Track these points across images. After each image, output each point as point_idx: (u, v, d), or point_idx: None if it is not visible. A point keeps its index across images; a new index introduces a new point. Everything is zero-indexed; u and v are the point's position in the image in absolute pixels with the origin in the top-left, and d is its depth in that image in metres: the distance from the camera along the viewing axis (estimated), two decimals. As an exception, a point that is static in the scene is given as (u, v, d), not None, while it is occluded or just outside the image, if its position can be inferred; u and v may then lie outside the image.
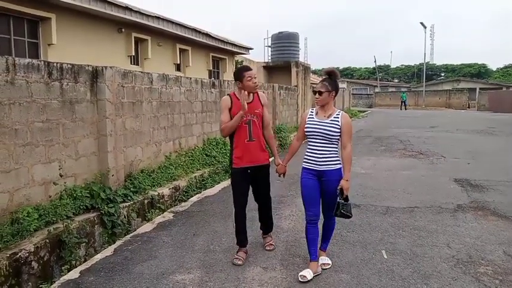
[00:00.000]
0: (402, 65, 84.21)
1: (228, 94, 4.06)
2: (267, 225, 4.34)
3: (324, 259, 3.89)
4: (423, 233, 4.71)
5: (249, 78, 3.86)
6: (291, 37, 20.39)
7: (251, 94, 3.93)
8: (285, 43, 19.78)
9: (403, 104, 41.19)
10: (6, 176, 4.14)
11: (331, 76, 3.65)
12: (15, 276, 3.66)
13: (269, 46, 21.94)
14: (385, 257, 4.07)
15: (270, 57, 21.77)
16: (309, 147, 3.69)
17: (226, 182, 7.24)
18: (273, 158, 4.17)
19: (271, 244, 4.27)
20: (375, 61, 63.22)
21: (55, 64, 4.79)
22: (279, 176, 4.09)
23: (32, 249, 3.87)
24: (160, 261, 4.02)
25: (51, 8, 8.44)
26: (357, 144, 12.60)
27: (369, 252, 4.18)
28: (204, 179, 7.39)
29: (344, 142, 3.56)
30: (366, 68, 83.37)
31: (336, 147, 3.59)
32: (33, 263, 3.86)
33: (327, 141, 3.57)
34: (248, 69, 3.98)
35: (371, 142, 13.44)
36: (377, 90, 55.98)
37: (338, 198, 3.51)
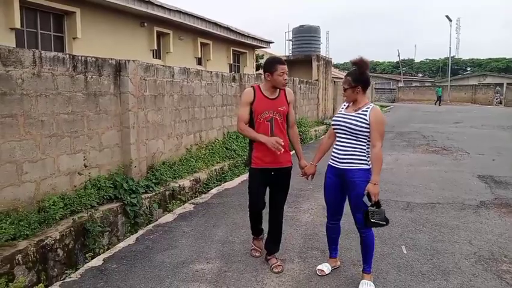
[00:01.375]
0: (426, 59, 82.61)
1: (251, 86, 3.66)
2: (273, 242, 3.78)
3: (365, 283, 3.31)
4: (444, 229, 4.65)
5: (282, 72, 3.46)
6: (312, 31, 20.28)
7: (277, 90, 3.58)
8: (306, 37, 19.69)
9: (439, 99, 38.53)
10: (33, 166, 4.29)
11: (357, 67, 3.25)
12: (42, 263, 3.79)
13: (290, 40, 21.88)
14: (405, 252, 4.04)
15: (290, 51, 21.71)
16: (335, 142, 3.37)
17: (246, 176, 7.28)
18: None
19: (279, 265, 3.66)
20: (398, 55, 62.25)
21: (80, 57, 4.91)
22: (307, 178, 3.68)
23: (58, 237, 4.00)
24: (180, 251, 4.10)
25: (76, 2, 8.63)
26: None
27: (389, 247, 4.16)
28: (224, 171, 7.46)
29: (372, 140, 3.15)
30: (389, 62, 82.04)
31: (364, 146, 3.20)
32: (58, 250, 3.99)
33: (352, 137, 3.20)
34: (282, 62, 3.55)
35: (393, 137, 13.26)
36: (400, 84, 55.01)
37: (368, 205, 3.11)
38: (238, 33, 14.82)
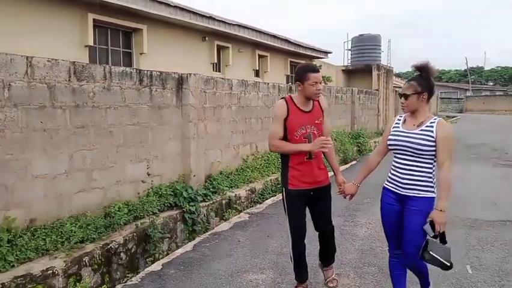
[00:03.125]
0: (498, 67, 77.29)
1: (282, 97, 3.26)
2: (328, 255, 3.54)
3: None
4: (516, 250, 4.31)
5: (314, 82, 3.05)
6: (372, 39, 19.88)
7: (311, 100, 3.19)
8: (366, 46, 19.33)
9: None
10: (102, 173, 4.59)
11: (422, 73, 2.77)
12: (107, 265, 4.03)
13: (349, 49, 21.56)
14: (470, 272, 3.79)
15: (349, 61, 21.40)
16: (393, 163, 2.89)
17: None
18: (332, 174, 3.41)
19: (334, 279, 3.53)
20: (466, 63, 59.02)
21: (145, 72, 5.20)
22: (345, 197, 3.25)
23: (122, 241, 4.23)
24: (235, 260, 4.17)
25: (143, 20, 9.17)
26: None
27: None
28: (279, 182, 7.45)
29: (440, 160, 2.66)
30: (456, 70, 77.98)
31: (430, 167, 2.73)
32: (122, 254, 4.22)
33: (416, 158, 2.72)
34: (315, 70, 3.14)
35: (460, 149, 12.51)
36: (468, 94, 52.02)
37: (428, 235, 2.65)
38: (296, 44, 14.88)
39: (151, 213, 4.87)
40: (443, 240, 2.63)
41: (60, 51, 7.02)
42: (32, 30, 7.11)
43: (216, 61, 11.76)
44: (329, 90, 11.48)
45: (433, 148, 2.67)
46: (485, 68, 76.61)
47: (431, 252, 2.60)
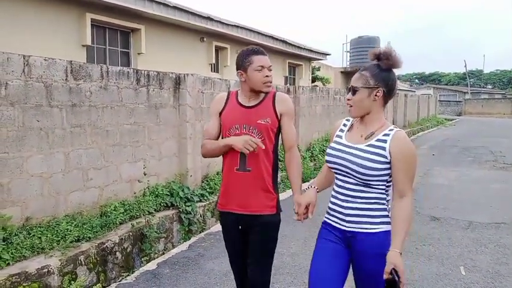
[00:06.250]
0: (497, 70, 77.61)
1: (228, 91, 2.59)
2: None
3: None
4: (510, 251, 4.33)
5: (260, 66, 2.30)
6: (371, 41, 19.94)
7: (259, 94, 2.40)
8: (364, 48, 19.37)
9: None
10: (98, 172, 4.60)
11: (381, 61, 1.97)
12: (102, 264, 4.04)
13: (348, 51, 21.60)
14: (463, 273, 3.81)
15: (348, 63, 21.43)
16: (334, 187, 2.10)
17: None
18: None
19: None
20: (465, 66, 59.06)
21: (143, 71, 5.21)
22: (302, 220, 2.17)
23: (117, 241, 4.24)
24: (230, 260, 4.18)
25: (141, 20, 9.19)
26: (442, 154, 11.90)
27: (446, 267, 3.95)
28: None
29: (399, 187, 1.88)
30: (455, 73, 78.22)
31: (383, 194, 1.96)
32: (117, 253, 4.23)
33: (361, 182, 1.94)
34: (258, 51, 2.37)
35: (458, 152, 12.57)
36: (467, 97, 52.10)
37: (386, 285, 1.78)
38: (294, 45, 14.92)
39: (147, 212, 4.87)
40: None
41: (58, 50, 7.03)
42: (29, 30, 7.12)
43: (214, 62, 11.78)
44: (327, 91, 11.50)
45: (386, 172, 1.90)
46: (484, 71, 76.81)
47: None
